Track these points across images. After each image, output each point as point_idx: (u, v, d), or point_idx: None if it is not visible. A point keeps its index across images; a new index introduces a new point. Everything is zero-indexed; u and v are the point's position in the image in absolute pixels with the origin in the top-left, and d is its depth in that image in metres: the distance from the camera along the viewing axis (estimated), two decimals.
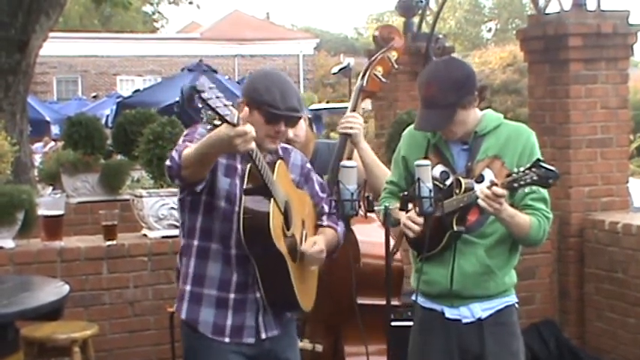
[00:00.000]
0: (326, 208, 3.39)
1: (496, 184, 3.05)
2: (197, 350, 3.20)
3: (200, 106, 2.77)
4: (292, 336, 3.37)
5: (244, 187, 3.07)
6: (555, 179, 3.00)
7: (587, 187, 6.11)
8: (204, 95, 2.71)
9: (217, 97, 2.74)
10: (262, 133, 3.11)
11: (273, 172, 3.06)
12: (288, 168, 3.30)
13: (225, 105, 2.75)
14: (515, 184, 3.02)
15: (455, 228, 3.20)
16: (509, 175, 3.06)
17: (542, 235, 3.29)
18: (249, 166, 3.05)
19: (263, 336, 3.19)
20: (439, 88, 3.21)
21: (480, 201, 3.07)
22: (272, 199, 3.02)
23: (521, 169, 3.02)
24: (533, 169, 2.99)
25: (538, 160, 3.03)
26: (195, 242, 3.18)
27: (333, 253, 3.38)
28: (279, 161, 3.16)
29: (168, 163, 3.01)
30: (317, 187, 3.41)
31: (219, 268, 3.14)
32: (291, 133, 3.62)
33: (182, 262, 3.26)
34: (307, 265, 3.26)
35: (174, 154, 3.00)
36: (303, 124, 3.90)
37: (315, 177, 3.43)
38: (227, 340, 3.16)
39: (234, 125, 2.74)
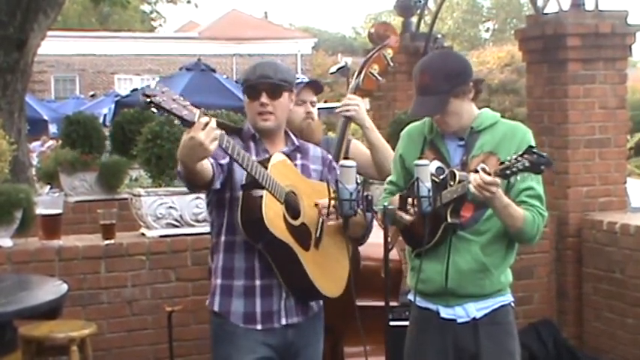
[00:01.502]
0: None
1: (488, 173, 3.05)
2: (229, 339, 3.27)
3: (155, 111, 2.77)
4: (318, 333, 3.41)
5: (242, 182, 3.13)
6: (547, 165, 3.00)
7: (585, 187, 6.11)
8: (156, 100, 2.72)
9: (173, 99, 2.75)
10: (253, 113, 3.27)
11: (267, 165, 3.11)
12: (309, 159, 3.38)
13: (184, 105, 2.76)
14: (508, 172, 3.02)
15: (449, 220, 3.20)
16: (502, 164, 3.06)
17: (536, 231, 3.29)
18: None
19: (283, 321, 3.25)
20: (433, 76, 3.25)
21: (470, 187, 3.07)
22: (265, 190, 3.06)
23: (514, 156, 3.02)
24: (525, 156, 2.99)
25: (530, 146, 3.04)
26: (223, 238, 3.28)
27: (362, 239, 3.45)
28: (274, 154, 3.20)
29: (179, 169, 3.06)
30: None
31: (244, 257, 3.23)
32: (310, 107, 3.91)
33: (213, 260, 3.36)
34: (327, 249, 3.29)
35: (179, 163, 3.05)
36: (315, 105, 4.04)
37: (337, 166, 3.46)
38: (259, 327, 3.24)
39: (194, 123, 2.76)
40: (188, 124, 2.77)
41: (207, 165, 2.99)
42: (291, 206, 3.19)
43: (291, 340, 3.28)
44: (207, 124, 2.76)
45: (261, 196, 3.07)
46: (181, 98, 2.79)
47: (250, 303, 3.24)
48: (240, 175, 3.17)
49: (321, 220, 3.27)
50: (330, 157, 3.50)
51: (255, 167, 3.05)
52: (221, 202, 3.26)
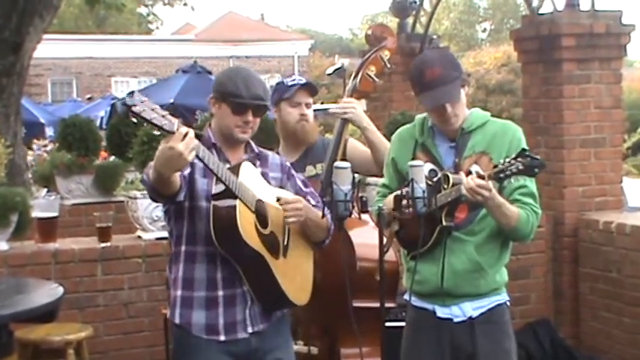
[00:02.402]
0: (312, 201, 3.39)
1: (482, 176, 3.06)
2: (191, 351, 3.21)
3: (135, 121, 2.77)
4: (283, 335, 3.36)
5: (212, 193, 3.11)
6: (541, 168, 3.02)
7: (581, 187, 6.12)
8: (136, 109, 2.73)
9: (152, 109, 2.76)
10: (232, 124, 3.21)
11: (237, 173, 3.09)
12: (268, 166, 3.36)
13: (163, 115, 2.77)
14: (502, 175, 3.03)
15: (444, 222, 3.21)
16: (495, 167, 3.07)
17: (530, 228, 3.30)
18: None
19: (249, 330, 3.21)
20: (442, 66, 3.25)
21: (462, 190, 3.08)
22: (237, 200, 3.05)
23: (507, 159, 3.04)
24: (519, 159, 3.01)
25: (523, 149, 3.05)
26: (183, 248, 3.22)
27: (322, 243, 3.40)
28: (243, 163, 3.18)
29: (144, 177, 3.06)
30: (299, 183, 3.44)
31: (205, 268, 3.18)
32: (305, 109, 3.94)
33: (172, 270, 3.29)
34: (294, 257, 3.27)
35: (146, 171, 3.04)
36: (311, 107, 4.04)
37: (295, 174, 3.47)
38: (222, 338, 3.19)
39: (173, 133, 2.77)
40: (167, 133, 2.77)
41: (177, 176, 2.98)
42: (261, 215, 3.17)
43: (255, 347, 3.23)
44: (186, 134, 2.77)
45: (235, 206, 3.04)
46: (159, 108, 2.79)
47: (212, 315, 3.18)
48: (201, 185, 3.15)
49: (287, 227, 3.25)
50: (288, 164, 3.46)
51: (229, 177, 3.03)
52: (180, 212, 3.20)
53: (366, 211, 3.78)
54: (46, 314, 4.09)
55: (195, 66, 13.87)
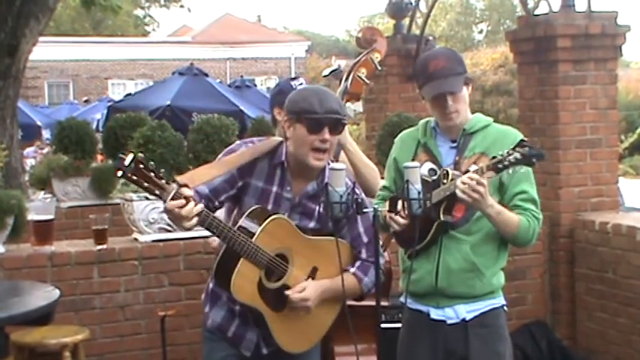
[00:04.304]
0: (363, 254, 3.31)
1: (476, 171, 3.06)
2: (208, 339, 3.36)
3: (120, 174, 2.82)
4: (304, 356, 3.35)
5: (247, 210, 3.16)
6: (539, 158, 3.02)
7: (577, 188, 6.12)
8: (130, 175, 2.80)
9: (150, 175, 2.82)
10: (307, 147, 3.11)
11: (259, 223, 3.08)
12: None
13: (159, 185, 2.84)
14: (500, 165, 3.03)
15: (442, 217, 3.22)
16: (494, 158, 3.07)
17: (531, 235, 3.31)
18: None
19: (264, 351, 3.28)
20: (448, 59, 3.32)
21: (458, 192, 3.08)
22: (241, 258, 3.05)
23: (506, 150, 3.04)
24: (517, 149, 3.02)
25: (522, 140, 3.07)
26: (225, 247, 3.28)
27: (359, 299, 3.37)
28: (274, 217, 3.13)
29: None
30: (361, 230, 3.31)
31: None
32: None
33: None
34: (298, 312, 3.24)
35: None
36: None
37: (361, 220, 3.30)
38: (229, 335, 3.30)
39: (164, 201, 2.85)
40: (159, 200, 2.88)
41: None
42: (274, 270, 3.15)
43: (267, 355, 3.30)
44: (170, 209, 2.86)
45: (236, 264, 3.06)
46: (155, 174, 2.84)
47: (229, 319, 3.28)
48: (247, 206, 3.16)
49: (309, 280, 3.22)
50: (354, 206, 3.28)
51: (235, 239, 3.03)
52: (229, 215, 3.28)
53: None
54: (42, 317, 4.09)
55: (191, 68, 13.85)
